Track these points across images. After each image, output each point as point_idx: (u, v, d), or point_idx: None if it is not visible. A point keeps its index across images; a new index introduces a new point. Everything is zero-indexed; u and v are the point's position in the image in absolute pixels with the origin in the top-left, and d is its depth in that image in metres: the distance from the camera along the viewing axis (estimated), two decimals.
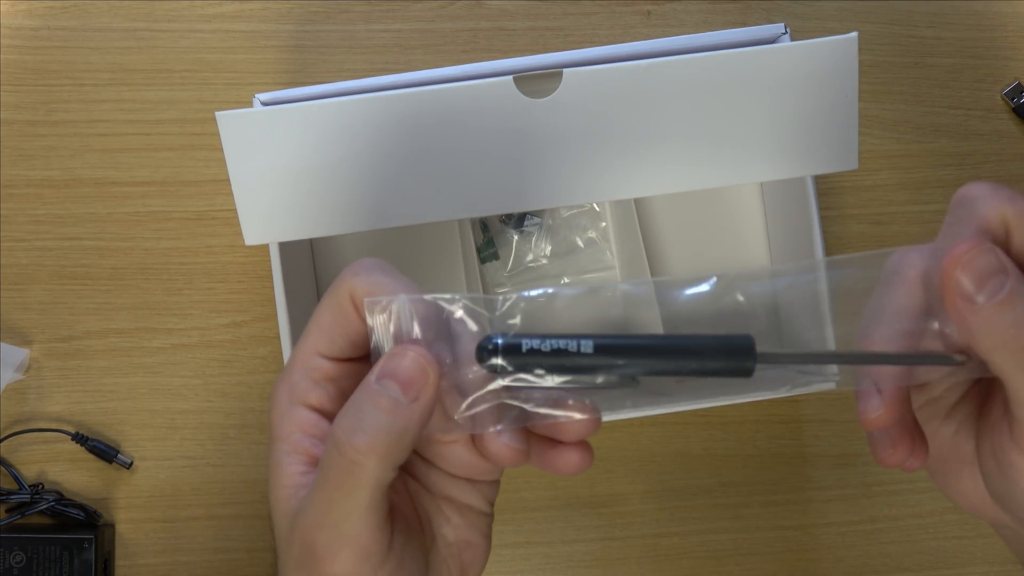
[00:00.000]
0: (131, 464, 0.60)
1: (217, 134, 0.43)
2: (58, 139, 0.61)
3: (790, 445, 0.62)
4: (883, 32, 0.62)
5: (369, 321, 0.30)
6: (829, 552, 0.62)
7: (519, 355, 0.27)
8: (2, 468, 0.59)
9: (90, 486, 0.60)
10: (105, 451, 0.59)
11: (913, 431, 0.33)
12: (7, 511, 0.59)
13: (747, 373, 0.27)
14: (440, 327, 0.30)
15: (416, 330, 0.29)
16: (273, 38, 0.61)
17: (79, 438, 0.59)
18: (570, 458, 0.32)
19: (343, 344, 0.32)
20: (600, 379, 0.28)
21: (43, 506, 0.58)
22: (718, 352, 0.27)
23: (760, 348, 0.27)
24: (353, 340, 0.32)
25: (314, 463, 0.32)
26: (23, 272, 0.61)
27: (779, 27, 0.48)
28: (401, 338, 0.30)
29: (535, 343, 0.27)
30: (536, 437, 0.33)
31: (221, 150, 0.43)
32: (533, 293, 0.29)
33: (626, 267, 0.60)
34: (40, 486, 0.59)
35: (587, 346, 0.27)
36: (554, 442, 0.32)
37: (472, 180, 0.44)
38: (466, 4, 0.62)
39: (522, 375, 0.28)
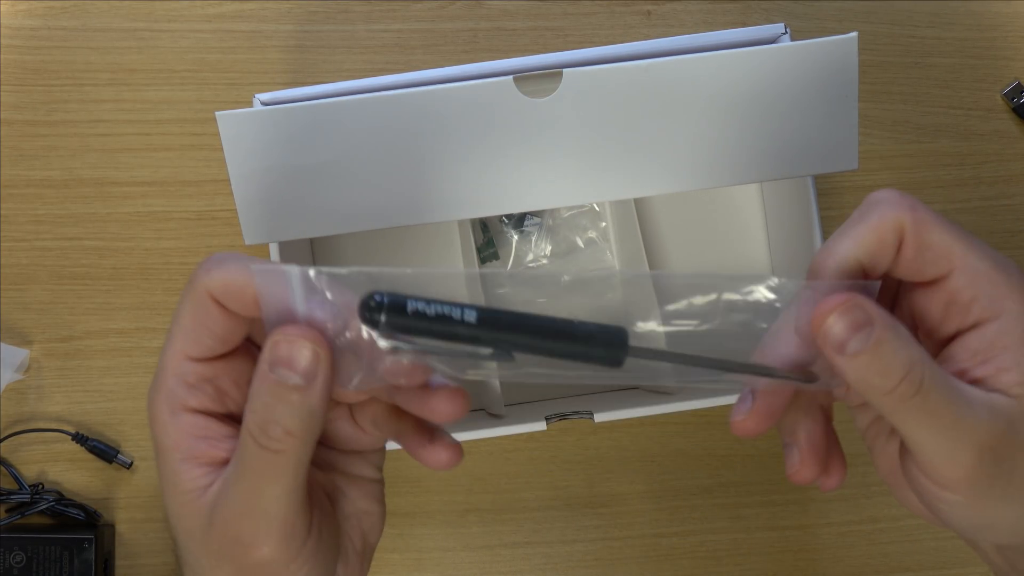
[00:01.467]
0: (131, 464, 0.60)
1: (217, 134, 0.43)
2: (58, 139, 0.61)
3: None
4: (883, 32, 0.62)
5: (260, 299, 0.30)
6: (829, 552, 0.62)
7: (403, 315, 0.27)
8: (2, 468, 0.59)
9: (90, 486, 0.60)
10: (105, 451, 0.59)
11: (825, 451, 0.34)
12: (7, 511, 0.59)
13: (617, 364, 0.29)
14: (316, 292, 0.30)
15: (300, 302, 0.29)
16: (273, 38, 0.61)
17: (79, 438, 0.59)
18: (440, 456, 0.33)
19: (211, 343, 0.32)
20: (480, 351, 0.28)
21: (43, 506, 0.58)
22: (592, 339, 0.29)
23: (633, 343, 0.29)
24: (220, 336, 0.31)
25: (214, 464, 0.32)
26: (23, 272, 0.61)
27: (779, 27, 0.48)
28: (285, 315, 0.29)
29: (420, 305, 0.27)
30: (409, 425, 0.33)
31: (221, 150, 0.43)
32: (375, 270, 0.29)
33: (626, 267, 0.60)
34: (40, 486, 0.59)
35: (471, 315, 0.27)
36: (425, 437, 0.33)
37: (472, 180, 0.44)
38: (466, 4, 0.62)
39: (402, 336, 0.28)
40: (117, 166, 0.61)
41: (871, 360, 0.29)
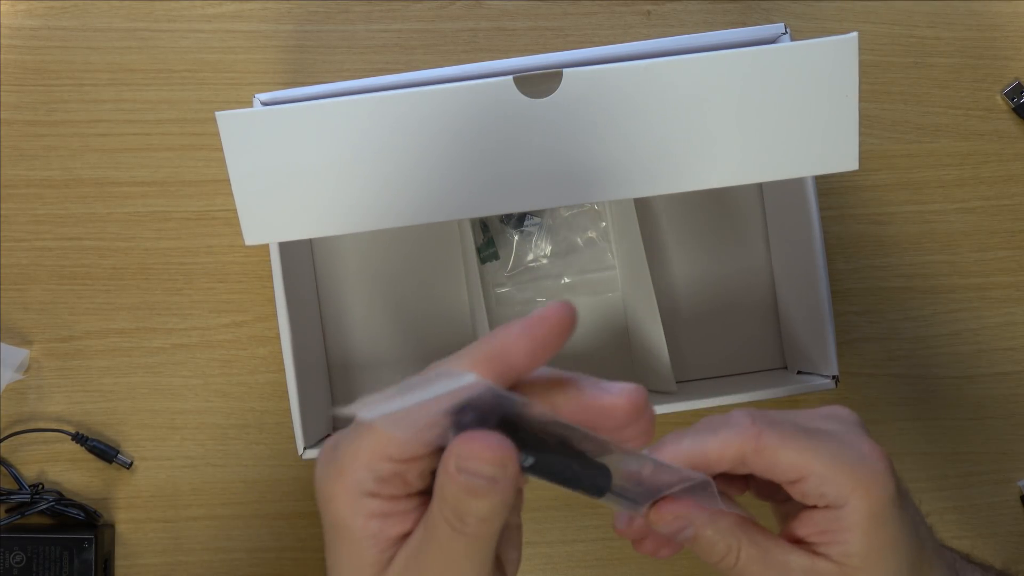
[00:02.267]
0: (131, 464, 0.60)
1: (217, 134, 0.43)
2: (58, 139, 0.61)
3: None
4: (883, 32, 0.62)
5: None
6: None
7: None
8: (2, 468, 0.59)
9: (90, 486, 0.60)
10: (105, 451, 0.59)
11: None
12: (7, 511, 0.59)
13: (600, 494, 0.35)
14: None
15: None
16: (273, 38, 0.61)
17: (79, 438, 0.59)
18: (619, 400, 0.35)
19: (417, 447, 0.32)
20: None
21: (43, 506, 0.58)
22: (580, 483, 0.34)
23: (613, 485, 0.35)
24: (428, 445, 0.33)
25: (397, 539, 0.34)
26: (23, 272, 0.61)
27: (779, 27, 0.48)
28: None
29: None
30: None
31: (221, 150, 0.43)
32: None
33: (626, 267, 0.60)
34: (40, 486, 0.59)
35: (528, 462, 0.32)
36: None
37: (472, 180, 0.44)
38: (466, 4, 0.62)
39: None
40: (117, 166, 0.61)
41: (697, 547, 0.40)
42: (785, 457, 0.37)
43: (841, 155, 0.44)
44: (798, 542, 0.38)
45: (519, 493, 0.36)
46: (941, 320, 0.62)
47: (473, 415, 0.31)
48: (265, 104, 0.48)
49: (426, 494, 0.33)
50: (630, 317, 0.61)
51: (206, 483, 0.60)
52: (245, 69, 0.61)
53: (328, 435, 0.58)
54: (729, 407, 0.56)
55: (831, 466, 0.37)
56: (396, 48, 0.61)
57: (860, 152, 0.45)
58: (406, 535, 0.34)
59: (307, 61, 0.61)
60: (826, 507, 0.37)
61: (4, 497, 0.58)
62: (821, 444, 0.37)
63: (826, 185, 0.61)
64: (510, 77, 0.43)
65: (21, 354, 0.59)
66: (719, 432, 0.38)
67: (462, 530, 0.32)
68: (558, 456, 0.33)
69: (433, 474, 0.33)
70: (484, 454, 0.30)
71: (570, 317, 0.31)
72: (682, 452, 0.38)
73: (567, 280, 0.62)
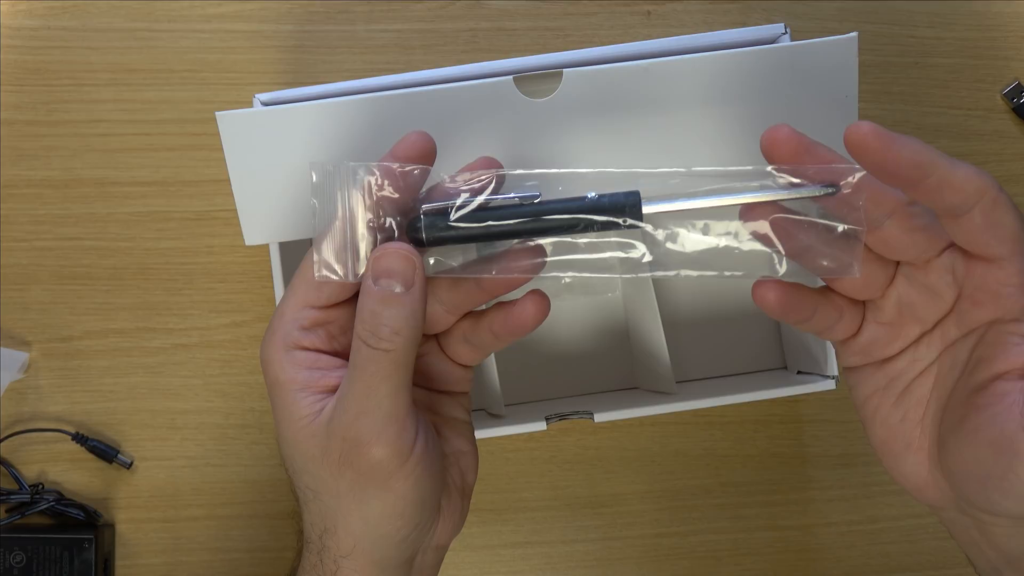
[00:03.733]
0: (131, 464, 0.60)
1: (217, 134, 0.43)
2: (58, 139, 0.61)
3: (790, 445, 0.62)
4: (883, 32, 0.62)
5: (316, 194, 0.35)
6: (829, 552, 0.62)
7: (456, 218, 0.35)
8: (2, 468, 0.60)
9: (90, 486, 0.60)
10: (105, 451, 0.59)
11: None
12: (7, 511, 0.59)
13: (637, 217, 0.34)
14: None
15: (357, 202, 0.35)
16: (273, 38, 0.61)
17: (79, 438, 0.59)
18: (526, 308, 0.38)
19: (330, 292, 0.36)
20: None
21: (43, 506, 0.58)
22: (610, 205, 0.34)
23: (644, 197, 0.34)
24: (342, 286, 0.36)
25: (326, 391, 0.36)
26: (23, 272, 0.61)
27: (779, 27, 0.48)
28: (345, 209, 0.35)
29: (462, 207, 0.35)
30: (493, 328, 0.38)
31: (221, 150, 0.43)
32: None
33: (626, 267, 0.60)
34: (40, 486, 0.59)
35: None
36: (507, 305, 0.38)
37: None
38: (466, 4, 0.62)
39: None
40: (117, 166, 0.61)
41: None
42: (1009, 221, 0.32)
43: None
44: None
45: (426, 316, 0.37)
46: None
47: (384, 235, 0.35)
48: (265, 104, 0.48)
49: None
50: (630, 317, 0.61)
51: (206, 483, 0.60)
52: (245, 69, 0.61)
53: None
54: (729, 407, 0.56)
55: None
56: (396, 48, 0.62)
57: None
58: (335, 388, 0.36)
59: (307, 61, 0.61)
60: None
61: (4, 497, 0.58)
62: None
63: None
64: (510, 77, 0.43)
65: (21, 357, 0.59)
66: (961, 166, 0.32)
67: (377, 345, 0.34)
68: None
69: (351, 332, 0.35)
70: (394, 259, 0.34)
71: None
72: (923, 154, 0.32)
73: (567, 280, 0.61)
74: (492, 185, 0.36)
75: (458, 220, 0.35)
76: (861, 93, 0.44)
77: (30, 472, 0.60)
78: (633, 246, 0.35)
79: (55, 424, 0.60)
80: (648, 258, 0.35)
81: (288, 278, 0.52)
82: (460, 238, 0.35)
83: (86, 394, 0.60)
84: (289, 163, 0.44)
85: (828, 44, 0.43)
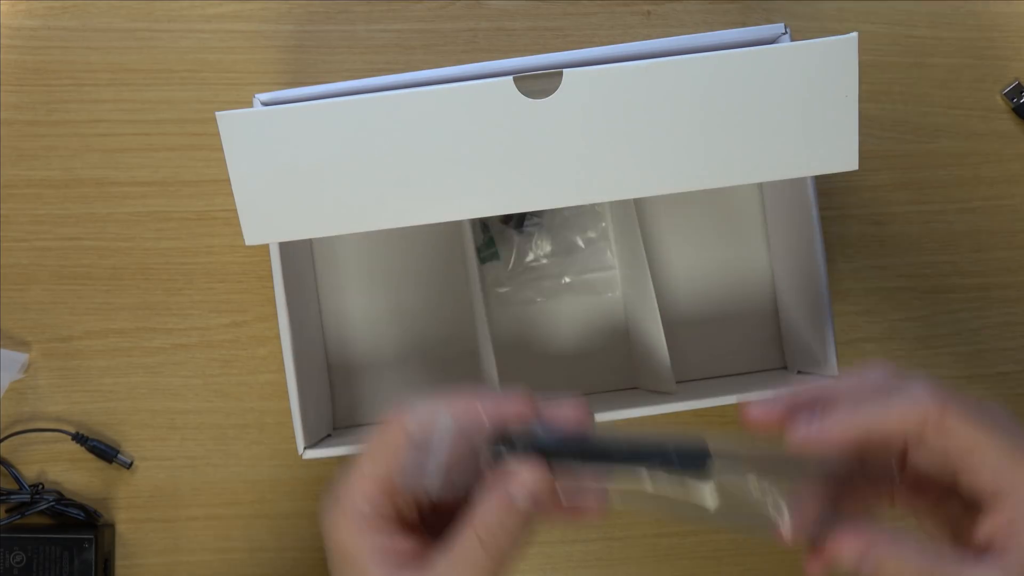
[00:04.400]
0: (131, 464, 0.60)
1: (217, 134, 0.43)
2: (58, 139, 0.61)
3: None
4: (883, 32, 0.62)
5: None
6: None
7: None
8: (2, 468, 0.60)
9: (90, 486, 0.60)
10: (105, 451, 0.59)
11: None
12: (7, 511, 0.59)
13: (703, 467, 0.36)
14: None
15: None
16: (273, 38, 0.61)
17: (79, 438, 0.59)
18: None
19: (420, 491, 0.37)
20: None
21: (43, 506, 0.58)
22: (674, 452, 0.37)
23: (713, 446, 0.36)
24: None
25: (392, 563, 0.37)
26: (23, 272, 0.61)
27: (779, 27, 0.48)
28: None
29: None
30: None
31: (221, 150, 0.43)
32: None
33: (626, 267, 0.60)
34: (40, 486, 0.59)
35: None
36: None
37: (472, 180, 0.44)
38: (466, 4, 0.62)
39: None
40: (117, 166, 0.61)
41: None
42: (966, 436, 0.33)
43: (841, 155, 0.45)
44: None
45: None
46: (941, 320, 0.62)
47: (505, 447, 0.37)
48: (265, 104, 0.48)
49: (411, 523, 0.38)
50: (630, 317, 0.61)
51: (206, 483, 0.60)
52: (245, 69, 0.61)
53: (328, 435, 0.58)
54: (729, 407, 0.56)
55: (1003, 456, 0.33)
56: (396, 48, 0.61)
57: (860, 152, 0.45)
58: (403, 553, 0.37)
59: (307, 61, 0.61)
60: (990, 508, 0.34)
61: (4, 497, 0.58)
62: (993, 428, 0.33)
63: (826, 185, 0.61)
64: (510, 77, 0.43)
65: (20, 358, 0.59)
66: (893, 403, 0.34)
67: (490, 543, 0.36)
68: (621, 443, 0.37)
69: (416, 504, 0.38)
70: (534, 478, 0.36)
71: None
72: (850, 427, 0.34)
73: (567, 280, 0.61)
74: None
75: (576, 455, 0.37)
76: (861, 93, 0.44)
77: (30, 472, 0.60)
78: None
79: (55, 424, 0.60)
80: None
81: (288, 278, 0.53)
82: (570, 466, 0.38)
83: (86, 394, 0.60)
84: (289, 163, 0.44)
85: (828, 44, 0.43)
